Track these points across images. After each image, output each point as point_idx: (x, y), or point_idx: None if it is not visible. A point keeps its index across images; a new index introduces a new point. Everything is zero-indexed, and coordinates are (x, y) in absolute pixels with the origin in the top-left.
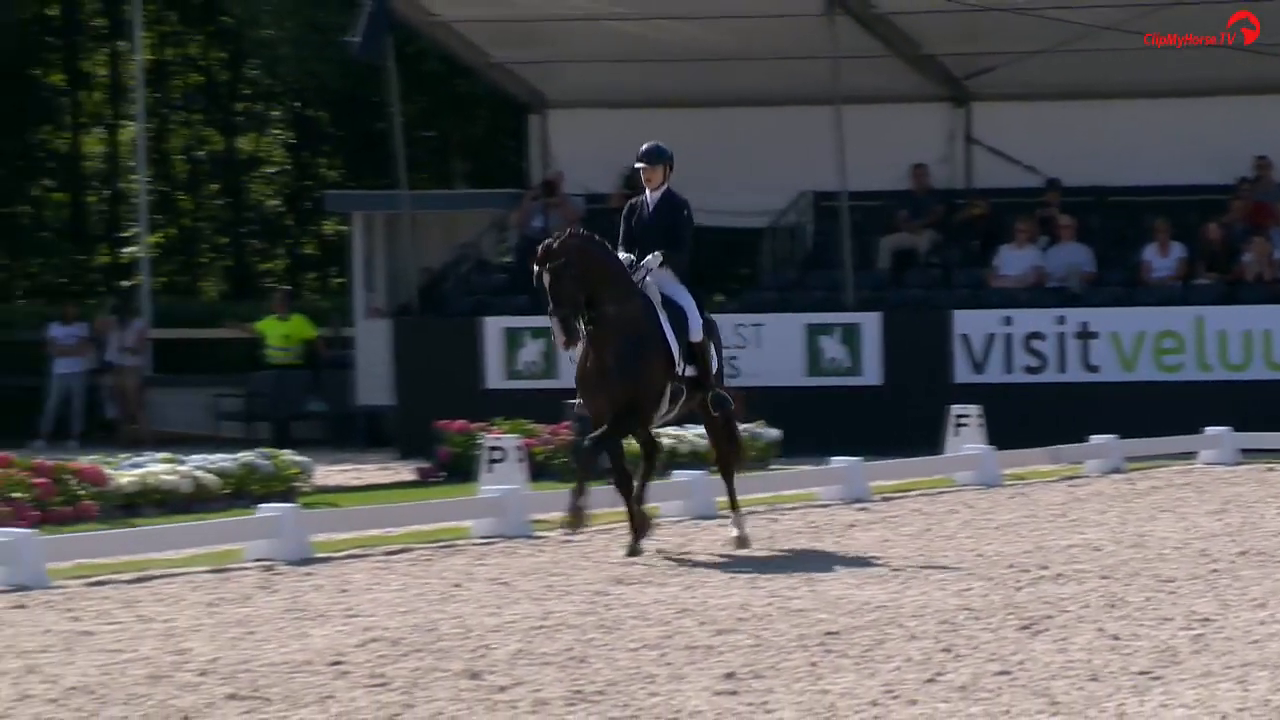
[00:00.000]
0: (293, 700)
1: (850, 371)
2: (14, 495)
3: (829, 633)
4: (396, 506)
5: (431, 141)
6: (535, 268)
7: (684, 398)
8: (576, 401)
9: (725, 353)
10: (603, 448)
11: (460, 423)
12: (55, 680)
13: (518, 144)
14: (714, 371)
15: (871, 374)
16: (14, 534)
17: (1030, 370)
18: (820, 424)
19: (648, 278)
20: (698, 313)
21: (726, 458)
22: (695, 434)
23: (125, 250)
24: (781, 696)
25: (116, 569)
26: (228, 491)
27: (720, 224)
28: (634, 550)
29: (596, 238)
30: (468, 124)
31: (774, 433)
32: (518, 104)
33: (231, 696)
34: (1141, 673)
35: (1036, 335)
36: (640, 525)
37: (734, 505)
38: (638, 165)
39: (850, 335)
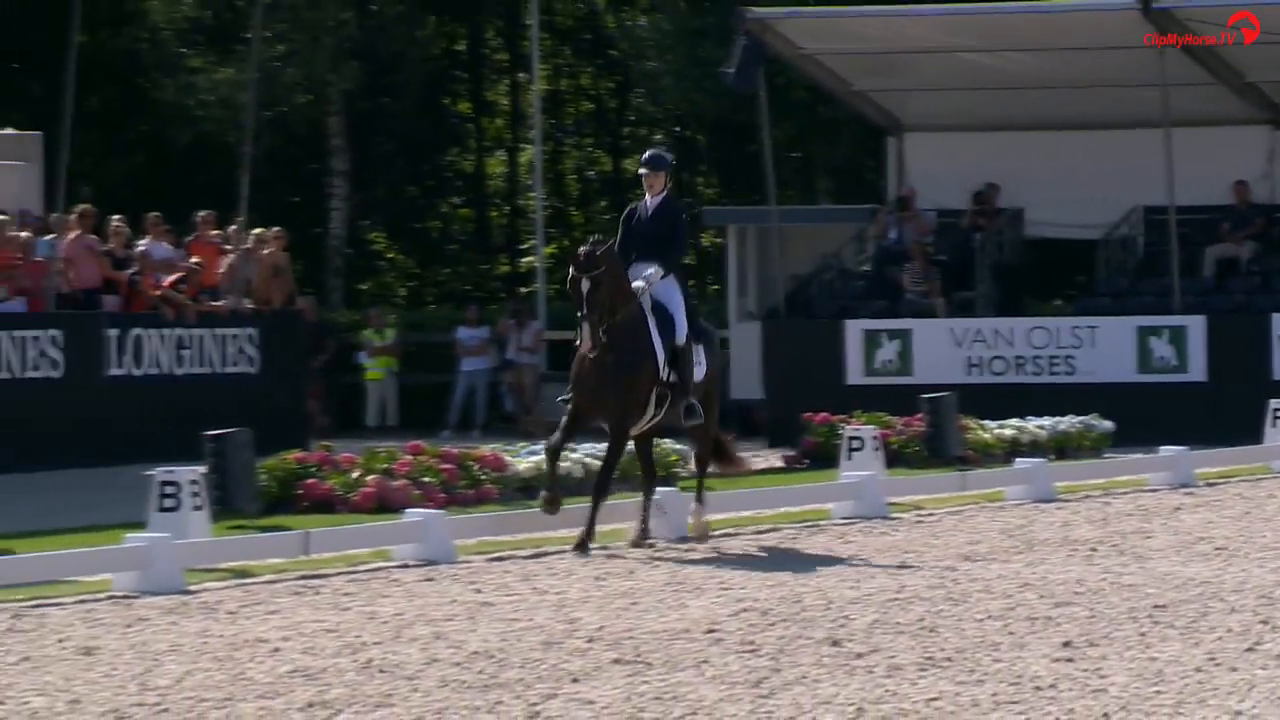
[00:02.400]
0: (672, 664)
1: (1177, 369)
2: (424, 480)
3: (1157, 606)
4: (766, 490)
5: (798, 162)
6: (572, 273)
7: (669, 402)
8: (567, 395)
9: (1061, 352)
10: (611, 466)
11: (823, 415)
12: (460, 645)
13: (876, 163)
14: (693, 380)
15: (1196, 371)
16: (424, 514)
17: None
18: (1149, 416)
19: (644, 286)
20: (685, 319)
21: (701, 461)
22: (1035, 425)
23: (523, 260)
24: (1114, 663)
25: (515, 546)
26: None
27: (1059, 236)
28: (580, 546)
29: (617, 250)
30: (831, 146)
31: (1107, 424)
32: (876, 127)
33: (616, 661)
34: None
35: None
36: (591, 529)
37: (699, 498)
38: (640, 171)
39: (1177, 336)
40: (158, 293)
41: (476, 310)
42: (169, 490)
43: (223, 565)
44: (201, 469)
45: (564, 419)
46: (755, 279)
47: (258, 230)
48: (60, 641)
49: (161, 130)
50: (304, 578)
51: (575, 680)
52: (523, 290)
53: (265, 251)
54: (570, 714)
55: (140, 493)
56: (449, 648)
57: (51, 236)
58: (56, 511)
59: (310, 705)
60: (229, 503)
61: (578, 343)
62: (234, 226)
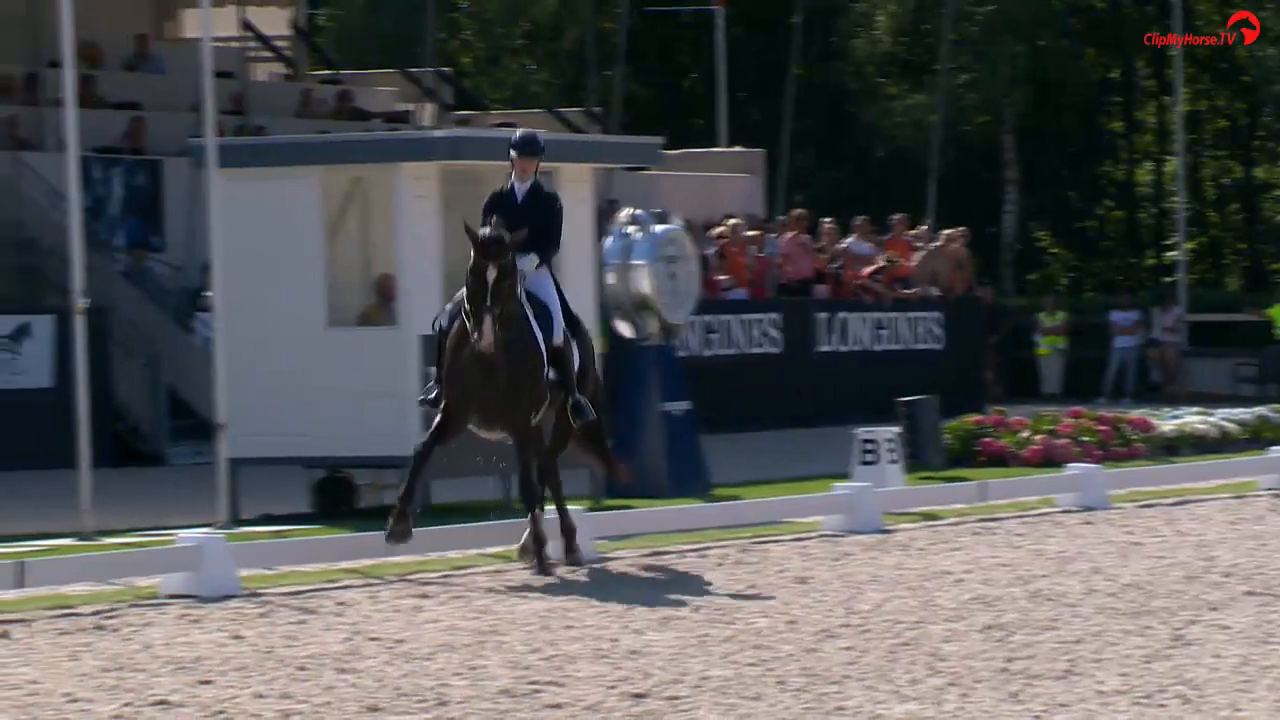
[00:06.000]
0: None
1: None
2: (1084, 439)
3: None
4: None
5: None
6: (477, 258)
7: (548, 400)
8: (433, 393)
9: None
10: (529, 467)
11: None
12: (1114, 579)
13: None
14: (574, 375)
15: None
16: (1083, 468)
17: None
18: None
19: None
20: (561, 316)
21: (600, 463)
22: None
23: (1167, 255)
24: None
25: (1159, 495)
26: (1245, 437)
27: None
28: (542, 567)
29: None
30: None
31: None
32: None
33: (1249, 593)
34: None
35: None
36: (539, 538)
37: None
38: (511, 154)
39: None
40: (858, 282)
41: (1127, 296)
42: (869, 447)
43: (913, 509)
44: (896, 429)
45: (436, 421)
46: None
47: (944, 230)
48: (779, 572)
49: (863, 147)
50: (981, 521)
51: (1213, 609)
52: (1166, 280)
53: (950, 247)
54: (1209, 637)
55: (845, 449)
56: (1104, 580)
57: (772, 236)
58: (775, 464)
59: (988, 627)
60: (918, 457)
61: (459, 329)
62: (924, 227)
